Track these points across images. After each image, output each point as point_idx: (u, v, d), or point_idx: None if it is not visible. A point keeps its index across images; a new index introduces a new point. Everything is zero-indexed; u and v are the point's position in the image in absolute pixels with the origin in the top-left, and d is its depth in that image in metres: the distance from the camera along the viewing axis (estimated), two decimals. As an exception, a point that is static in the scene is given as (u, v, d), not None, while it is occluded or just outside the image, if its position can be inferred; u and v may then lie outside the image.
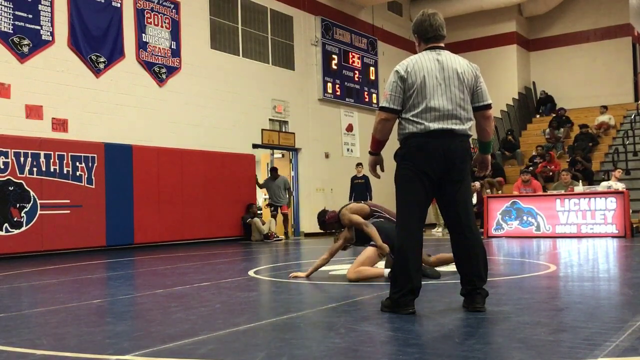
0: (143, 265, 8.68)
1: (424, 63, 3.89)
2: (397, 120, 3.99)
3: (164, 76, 13.06)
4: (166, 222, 12.54)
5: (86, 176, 11.21)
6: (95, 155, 11.37)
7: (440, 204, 4.03)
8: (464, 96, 3.89)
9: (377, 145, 4.09)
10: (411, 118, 3.87)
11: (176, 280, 6.19)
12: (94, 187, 11.30)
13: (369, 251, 5.67)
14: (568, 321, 3.65)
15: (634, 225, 12.32)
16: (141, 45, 12.61)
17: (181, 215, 12.82)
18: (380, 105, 3.98)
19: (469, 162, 3.96)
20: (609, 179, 13.11)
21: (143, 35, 12.66)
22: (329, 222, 6.09)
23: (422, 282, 3.98)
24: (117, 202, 11.63)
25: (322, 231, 6.46)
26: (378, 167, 4.19)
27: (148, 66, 12.71)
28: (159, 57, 12.96)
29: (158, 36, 12.97)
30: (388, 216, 5.95)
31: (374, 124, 4.05)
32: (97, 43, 11.86)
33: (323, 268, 6.20)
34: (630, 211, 12.29)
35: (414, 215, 3.91)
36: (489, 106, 4.02)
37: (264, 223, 14.27)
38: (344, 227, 5.96)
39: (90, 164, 11.28)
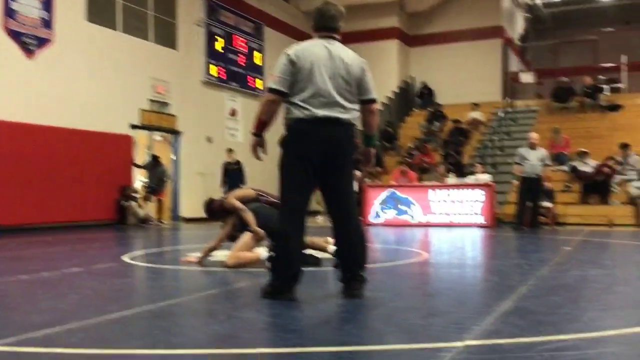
0: (5, 249, 8.10)
1: (314, 49, 3.93)
2: (285, 104, 3.96)
3: (33, 48, 12.20)
4: (32, 203, 11.77)
5: (-58, 152, 10.26)
6: (-47, 129, 10.43)
7: (322, 191, 4.05)
8: (350, 88, 3.94)
9: (261, 126, 4.03)
10: (298, 103, 3.86)
11: (43, 266, 5.83)
12: (-50, 163, 10.37)
13: (245, 237, 5.65)
14: (439, 306, 3.83)
15: (498, 216, 13.18)
16: (9, 13, 11.68)
17: (49, 197, 12.07)
18: (268, 86, 3.95)
19: (352, 151, 4.01)
20: (475, 173, 13.95)
21: (12, 2, 11.73)
22: (216, 210, 5.99)
23: (303, 269, 4.01)
24: (-23, 181, 10.76)
25: (204, 217, 6.33)
26: (260, 149, 4.13)
27: (16, 36, 11.82)
28: (29, 27, 12.08)
29: (28, 5, 12.07)
30: (273, 200, 5.92)
31: (259, 105, 4.02)
32: (-43, 7, 10.85)
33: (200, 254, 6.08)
34: (496, 202, 13.13)
35: (296, 201, 3.91)
36: (373, 101, 4.09)
37: (140, 207, 13.80)
38: (232, 214, 5.89)
39: (-54, 139, 10.34)
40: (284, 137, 3.97)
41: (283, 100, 3.92)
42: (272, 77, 3.94)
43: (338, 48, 4.00)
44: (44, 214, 12.02)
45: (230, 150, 15.71)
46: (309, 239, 5.84)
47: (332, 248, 5.57)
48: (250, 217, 5.66)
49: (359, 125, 4.08)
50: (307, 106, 3.85)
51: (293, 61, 3.87)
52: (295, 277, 3.89)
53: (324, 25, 4.04)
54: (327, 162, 3.90)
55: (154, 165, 14.39)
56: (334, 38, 4.05)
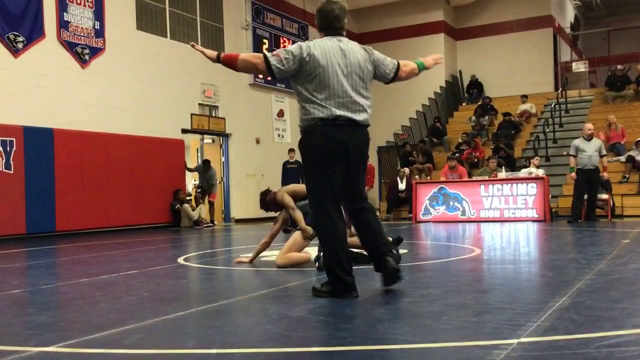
0: (66, 253, 8.38)
1: (328, 49, 3.91)
2: (299, 105, 3.98)
3: (87, 57, 12.58)
4: (90, 208, 12.15)
5: (4, 161, 10.70)
6: (14, 139, 10.86)
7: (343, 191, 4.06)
8: (365, 84, 3.99)
9: (227, 64, 4.01)
10: (316, 101, 3.87)
11: (101, 269, 6.01)
12: (12, 172, 10.80)
13: (296, 236, 5.68)
14: (492, 303, 3.77)
15: (553, 210, 12.88)
16: (62, 24, 12.09)
17: (106, 202, 12.44)
18: (267, 56, 3.91)
19: (368, 146, 4.10)
20: (529, 166, 13.64)
21: (64, 14, 12.13)
22: (268, 202, 6.05)
23: (353, 267, 4.02)
24: (37, 188, 11.17)
25: (254, 217, 6.41)
26: (204, 50, 4.13)
27: (70, 46, 12.22)
28: (82, 38, 12.47)
29: (80, 15, 12.47)
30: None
31: (249, 60, 3.96)
32: (15, 22, 11.28)
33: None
34: (550, 196, 12.84)
35: (333, 203, 3.92)
36: (398, 67, 4.19)
37: (193, 209, 14.06)
38: (283, 209, 5.93)
39: (8, 149, 10.77)
40: (305, 140, 3.96)
41: (265, 73, 3.94)
42: (276, 54, 3.90)
43: (350, 46, 3.99)
44: (102, 219, 12.40)
45: (291, 150, 15.88)
46: (357, 239, 5.84)
47: (313, 256, 5.55)
48: (298, 215, 5.69)
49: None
50: (327, 105, 3.85)
51: (303, 56, 3.85)
52: (351, 281, 3.94)
53: (330, 25, 4.03)
54: (346, 160, 3.92)
55: (205, 168, 14.66)
56: (341, 35, 4.03)
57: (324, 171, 3.89)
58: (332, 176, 3.89)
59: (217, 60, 4.03)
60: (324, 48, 3.89)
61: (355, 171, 3.99)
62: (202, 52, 4.15)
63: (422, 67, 4.38)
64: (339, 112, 3.85)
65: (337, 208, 3.97)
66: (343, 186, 3.98)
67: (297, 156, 15.76)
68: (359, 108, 3.93)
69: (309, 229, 5.57)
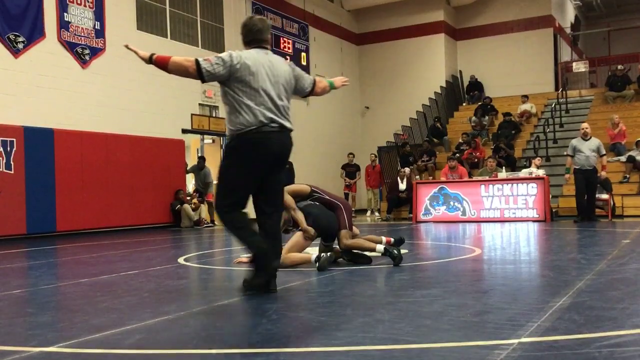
0: (66, 253, 8.39)
1: (258, 59, 4.11)
2: (229, 109, 4.09)
3: (87, 57, 12.58)
4: (91, 208, 12.15)
5: (4, 161, 10.70)
6: (14, 139, 10.86)
7: (259, 189, 4.18)
8: (287, 95, 4.23)
9: (160, 67, 4.18)
10: (246, 107, 4.01)
11: (102, 269, 6.01)
12: (12, 172, 10.80)
13: (296, 236, 5.67)
14: (493, 303, 3.77)
15: (554, 210, 12.87)
16: (63, 25, 12.09)
17: (107, 202, 12.44)
18: (199, 60, 4.04)
19: (290, 154, 4.26)
20: (530, 166, 13.62)
21: (65, 14, 12.14)
22: None
23: (354, 268, 4.02)
24: (38, 188, 11.16)
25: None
26: (137, 51, 4.36)
27: (70, 47, 12.22)
28: (82, 38, 12.47)
29: (81, 16, 12.47)
30: (328, 197, 5.93)
31: (180, 63, 4.08)
32: (15, 22, 11.28)
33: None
34: (550, 196, 12.83)
35: (241, 205, 4.14)
36: (314, 82, 4.49)
37: (194, 209, 14.05)
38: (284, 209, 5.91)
39: (8, 149, 10.77)
40: (233, 143, 4.09)
41: (195, 77, 4.07)
42: (209, 60, 4.03)
43: (276, 58, 4.25)
44: (102, 219, 12.39)
45: None
46: (358, 240, 5.84)
47: (380, 248, 5.57)
48: (299, 216, 5.67)
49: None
50: (256, 111, 4.00)
51: (234, 64, 4.01)
52: (273, 274, 4.16)
53: (254, 38, 4.23)
54: (270, 166, 4.12)
55: (199, 166, 14.62)
56: (266, 48, 4.25)
57: (241, 175, 4.08)
58: (247, 183, 4.10)
59: (150, 61, 4.19)
60: (254, 58, 4.09)
61: (275, 176, 4.20)
62: (135, 52, 4.33)
63: (332, 86, 4.73)
64: (268, 117, 4.02)
65: (239, 208, 4.15)
66: (261, 188, 4.15)
67: (297, 157, 15.70)
68: (286, 115, 4.15)
69: (311, 230, 5.57)
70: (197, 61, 4.03)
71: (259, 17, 4.32)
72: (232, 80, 4.04)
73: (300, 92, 4.44)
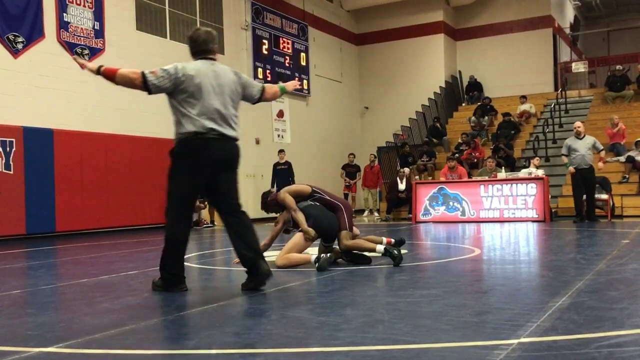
0: (66, 254, 8.39)
1: (202, 70, 4.27)
2: (174, 118, 4.32)
3: (86, 58, 12.57)
4: (90, 209, 12.14)
5: (4, 161, 10.70)
6: (14, 139, 10.85)
7: (213, 194, 4.44)
8: (234, 104, 4.38)
9: (108, 78, 4.29)
10: (190, 116, 4.20)
11: (102, 270, 6.01)
12: (12, 172, 10.80)
13: (297, 237, 5.66)
14: (492, 303, 3.78)
15: (553, 210, 12.88)
16: (62, 25, 12.09)
17: (106, 202, 12.44)
18: (145, 73, 4.21)
19: (238, 160, 4.47)
20: (529, 166, 13.63)
21: (64, 14, 12.13)
22: (269, 203, 6.05)
23: (354, 268, 4.03)
24: (37, 189, 11.16)
25: (255, 218, 6.41)
26: (85, 63, 4.61)
27: (70, 47, 12.21)
28: (82, 38, 12.46)
29: (80, 16, 12.46)
30: (328, 198, 5.92)
31: (127, 75, 4.22)
32: (14, 22, 11.28)
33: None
34: (550, 196, 12.83)
35: (187, 208, 4.40)
36: (263, 88, 4.63)
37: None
38: (284, 210, 5.91)
39: (8, 149, 10.77)
40: (177, 149, 4.33)
41: (142, 89, 4.26)
42: (155, 72, 4.21)
43: (222, 68, 4.38)
44: (102, 219, 12.39)
45: (281, 151, 15.92)
46: (358, 241, 5.84)
47: (380, 248, 5.57)
48: (300, 217, 5.67)
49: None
50: (199, 120, 4.19)
51: (178, 76, 4.21)
52: (182, 273, 4.40)
53: (199, 49, 4.41)
54: (216, 170, 4.31)
55: None
56: (212, 59, 4.39)
57: (185, 180, 4.31)
58: (191, 186, 4.33)
59: (98, 72, 4.30)
60: (198, 69, 4.25)
61: (225, 181, 4.38)
62: (83, 65, 4.51)
63: (283, 91, 4.91)
64: (209, 126, 4.20)
65: (185, 214, 4.41)
66: (214, 192, 4.41)
67: (287, 157, 15.85)
68: (229, 124, 4.31)
69: (311, 231, 5.57)
70: (143, 74, 4.19)
71: (204, 29, 4.47)
72: (176, 92, 4.23)
73: (249, 99, 4.59)
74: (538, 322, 3.09)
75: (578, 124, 11.70)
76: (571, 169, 11.41)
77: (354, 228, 6.03)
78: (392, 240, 6.41)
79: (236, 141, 4.41)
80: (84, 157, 12.08)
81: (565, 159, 11.60)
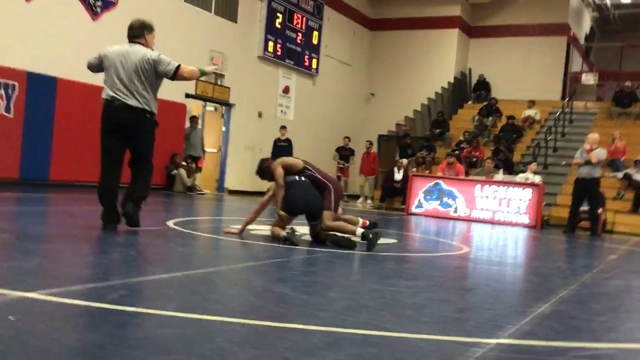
0: (57, 203, 8.38)
1: (117, 50, 5.42)
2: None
3: (98, 9, 12.45)
4: (86, 161, 12.07)
5: (4, 104, 10.63)
6: (16, 83, 10.78)
7: (129, 151, 5.56)
8: (141, 78, 5.33)
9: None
10: (104, 87, 5.41)
11: (91, 223, 6.01)
12: (12, 116, 10.74)
13: (276, 221, 5.78)
14: (475, 301, 3.80)
15: (545, 218, 12.92)
16: (78, -26, 11.94)
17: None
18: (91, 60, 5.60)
19: (143, 125, 5.44)
20: (526, 171, 13.63)
21: (81, -37, 11.98)
22: (263, 169, 6.08)
23: (342, 252, 4.03)
24: (35, 135, 11.10)
25: (248, 190, 6.45)
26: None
27: (83, -3, 12.08)
28: (96, -10, 12.32)
29: (97, -33, 12.31)
30: (319, 176, 5.93)
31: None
32: (30, -35, 11.13)
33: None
34: (544, 204, 12.86)
35: (106, 161, 5.52)
36: (177, 68, 5.39)
37: (189, 175, 14.02)
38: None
39: (10, 92, 10.69)
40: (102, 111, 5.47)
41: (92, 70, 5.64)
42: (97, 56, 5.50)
43: (135, 49, 5.39)
44: (96, 173, 12.30)
45: (282, 128, 15.86)
46: (339, 223, 5.83)
47: (359, 231, 5.58)
48: (280, 195, 5.72)
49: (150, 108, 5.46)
50: (107, 88, 5.36)
51: (101, 55, 5.46)
52: (106, 216, 5.47)
53: (128, 35, 5.54)
54: (125, 134, 5.39)
55: (194, 127, 14.46)
56: (137, 42, 5.47)
57: (104, 137, 5.46)
58: (107, 141, 5.46)
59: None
60: (114, 50, 5.41)
61: (133, 141, 5.46)
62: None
63: (202, 72, 5.70)
64: (112, 95, 5.32)
65: (110, 165, 5.52)
66: (128, 150, 5.53)
67: (288, 134, 15.81)
68: (132, 95, 5.31)
69: (283, 215, 5.62)
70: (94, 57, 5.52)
71: (135, 19, 5.58)
72: (102, 68, 5.48)
73: (165, 74, 5.43)
74: (518, 325, 3.11)
75: (595, 136, 11.35)
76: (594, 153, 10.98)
77: (340, 210, 6.04)
78: (367, 222, 6.40)
79: (139, 110, 5.33)
80: (85, 109, 11.99)
81: (577, 160, 11.12)
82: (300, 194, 5.66)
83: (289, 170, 5.87)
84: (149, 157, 5.64)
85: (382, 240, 6.18)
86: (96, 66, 5.50)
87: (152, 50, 5.50)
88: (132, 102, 5.29)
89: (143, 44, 5.46)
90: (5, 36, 10.87)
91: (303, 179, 5.84)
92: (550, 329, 3.12)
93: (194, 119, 14.59)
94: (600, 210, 12.22)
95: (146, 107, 5.37)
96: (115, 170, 5.54)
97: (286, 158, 6.18)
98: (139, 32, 5.51)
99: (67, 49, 11.90)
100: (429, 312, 3.29)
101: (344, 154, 17.61)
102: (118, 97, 5.27)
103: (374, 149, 17.79)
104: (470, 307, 3.59)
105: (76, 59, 12.04)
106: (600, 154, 11.00)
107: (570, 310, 3.68)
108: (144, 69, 5.31)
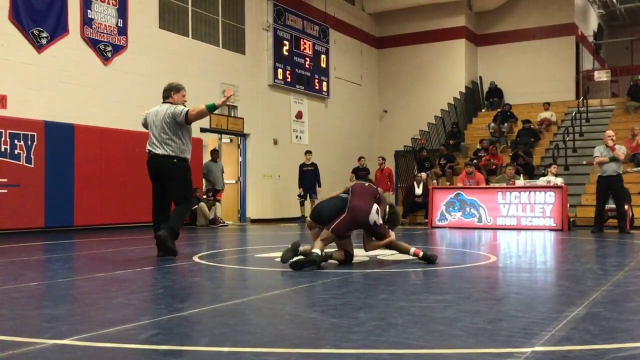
0: (83, 248, 8.47)
1: (153, 111, 6.68)
2: None
3: (109, 54, 12.70)
4: (109, 204, 12.24)
5: (25, 155, 10.83)
6: (35, 133, 10.99)
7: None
8: (166, 130, 6.49)
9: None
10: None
11: (118, 264, 6.06)
12: (32, 166, 10.94)
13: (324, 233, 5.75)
14: (506, 310, 3.75)
15: (571, 219, 12.75)
16: (86, 21, 12.22)
17: (124, 198, 12.53)
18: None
19: (172, 169, 6.51)
20: (547, 174, 13.49)
21: (88, 11, 12.26)
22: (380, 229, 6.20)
23: (368, 271, 4.01)
24: (56, 183, 11.28)
25: (270, 218, 6.53)
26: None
27: (93, 43, 12.34)
28: (105, 35, 12.59)
29: (104, 13, 12.59)
30: (346, 196, 5.93)
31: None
32: (39, 17, 11.43)
33: (268, 255, 6.17)
34: (568, 205, 12.70)
35: (155, 203, 6.71)
36: (186, 113, 6.45)
37: (209, 208, 14.11)
38: None
39: (29, 142, 10.90)
40: None
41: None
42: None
43: (164, 107, 6.63)
44: (120, 215, 12.48)
45: (308, 152, 15.95)
46: (318, 242, 5.72)
47: (338, 255, 5.74)
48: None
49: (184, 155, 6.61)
50: (147, 145, 6.59)
51: (144, 116, 6.80)
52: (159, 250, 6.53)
53: (162, 96, 6.85)
54: (160, 179, 6.56)
55: (214, 160, 14.56)
56: (166, 102, 6.73)
57: (152, 183, 6.65)
58: (153, 186, 6.66)
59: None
60: (151, 112, 6.67)
61: (166, 184, 6.55)
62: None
63: (210, 107, 6.52)
64: (148, 148, 6.56)
65: (155, 205, 6.72)
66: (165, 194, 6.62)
67: (314, 158, 15.90)
68: (160, 145, 6.47)
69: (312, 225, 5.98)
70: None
71: (168, 83, 6.87)
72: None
73: (181, 122, 6.46)
74: (553, 331, 3.07)
75: (610, 132, 11.35)
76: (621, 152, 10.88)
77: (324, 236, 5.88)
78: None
79: (166, 157, 6.42)
80: (103, 152, 12.19)
81: (599, 159, 11.07)
82: (326, 209, 5.88)
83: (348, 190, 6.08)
84: (186, 194, 6.69)
85: (406, 257, 6.15)
86: (144, 125, 6.74)
87: (184, 106, 6.61)
88: (159, 150, 6.43)
89: (171, 102, 6.64)
90: (20, 88, 11.11)
91: (343, 195, 5.99)
92: (585, 333, 3.06)
93: (214, 153, 14.72)
94: (627, 207, 12.05)
95: (172, 154, 6.41)
96: (158, 210, 6.69)
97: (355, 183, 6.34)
98: (167, 93, 6.78)
99: (81, 95, 12.14)
100: (460, 325, 3.25)
101: (361, 174, 17.54)
102: (151, 149, 6.48)
103: (392, 166, 17.75)
104: (502, 316, 3.54)
105: (91, 104, 12.29)
106: (622, 149, 10.96)
107: (605, 312, 3.61)
108: (166, 122, 6.45)
